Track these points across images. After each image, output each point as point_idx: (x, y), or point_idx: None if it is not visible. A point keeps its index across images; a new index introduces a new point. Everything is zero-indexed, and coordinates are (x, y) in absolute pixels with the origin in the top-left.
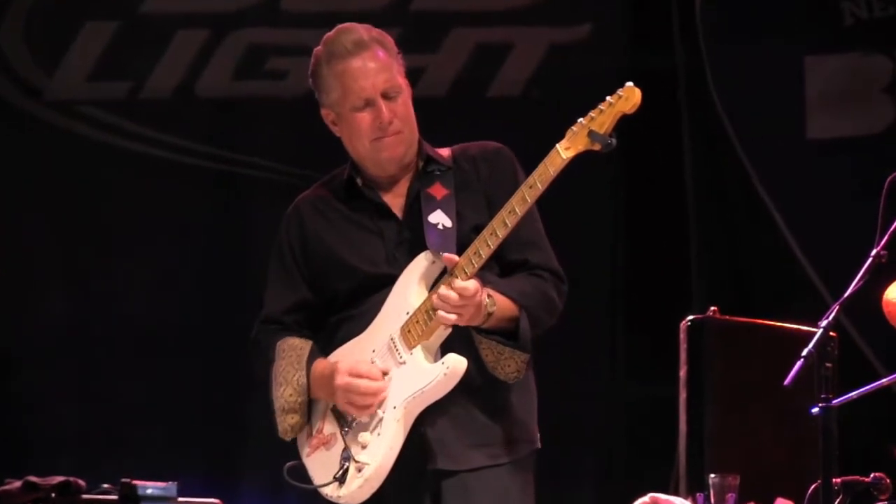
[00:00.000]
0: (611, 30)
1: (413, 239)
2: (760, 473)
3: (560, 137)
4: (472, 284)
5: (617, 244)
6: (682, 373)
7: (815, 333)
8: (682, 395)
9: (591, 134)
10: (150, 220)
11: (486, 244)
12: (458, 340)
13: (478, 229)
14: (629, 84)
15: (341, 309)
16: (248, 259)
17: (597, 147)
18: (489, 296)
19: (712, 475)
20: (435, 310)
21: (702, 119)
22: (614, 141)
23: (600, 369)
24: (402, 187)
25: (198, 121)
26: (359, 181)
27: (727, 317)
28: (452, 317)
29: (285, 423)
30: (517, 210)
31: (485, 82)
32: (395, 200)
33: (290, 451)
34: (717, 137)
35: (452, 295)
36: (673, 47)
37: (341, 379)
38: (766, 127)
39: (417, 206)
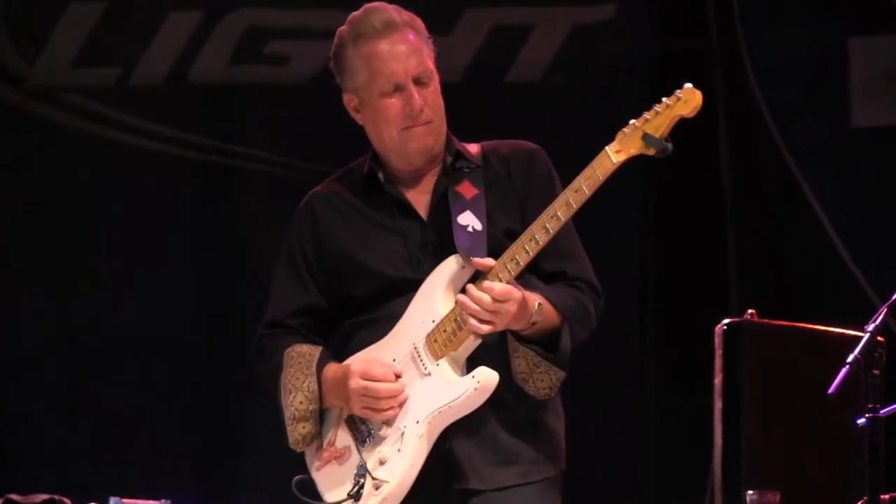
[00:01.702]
0: (638, 9)
1: (439, 241)
2: (802, 490)
3: (584, 126)
4: (506, 289)
5: (648, 242)
6: (718, 381)
7: (861, 338)
8: (718, 405)
9: (646, 137)
10: (140, 218)
11: (524, 250)
12: (485, 351)
13: (509, 234)
14: (688, 85)
15: (356, 313)
16: (245, 259)
17: (651, 152)
18: (539, 303)
19: (750, 492)
20: (465, 319)
21: (738, 107)
22: (671, 146)
23: (629, 378)
24: (428, 184)
25: (192, 110)
26: (380, 176)
27: (766, 320)
28: (486, 327)
29: (296, 432)
30: (560, 215)
31: (503, 67)
32: (419, 198)
33: (292, 464)
34: (755, 127)
35: (485, 297)
36: (706, 28)
37: (355, 382)
38: (807, 115)
39: (444, 205)
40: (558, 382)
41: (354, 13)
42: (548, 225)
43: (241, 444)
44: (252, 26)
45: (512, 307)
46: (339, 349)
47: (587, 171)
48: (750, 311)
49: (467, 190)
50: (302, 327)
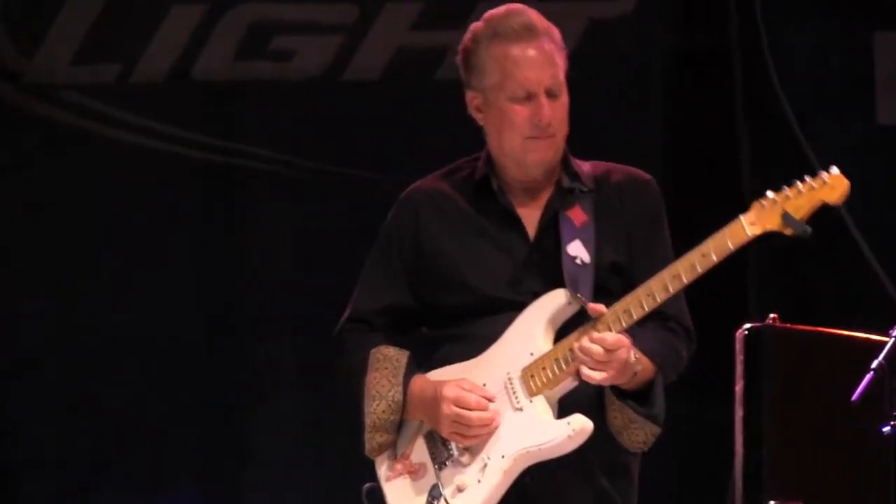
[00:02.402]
0: (657, 3)
1: (543, 265)
2: (825, 500)
3: (602, 124)
4: (618, 338)
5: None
6: (738, 388)
7: (886, 343)
8: (738, 414)
9: (787, 217)
10: (141, 218)
11: (640, 305)
12: (578, 392)
13: (614, 267)
14: (836, 171)
15: (444, 324)
16: (247, 259)
17: (788, 232)
18: (636, 357)
19: (772, 502)
20: (568, 360)
21: (759, 104)
22: (810, 230)
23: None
24: (540, 200)
25: (195, 107)
26: (494, 184)
27: (788, 325)
28: (599, 375)
29: (374, 440)
30: (683, 277)
31: None
32: (529, 213)
33: (293, 466)
34: (777, 124)
35: (596, 349)
36: (726, 23)
37: (448, 408)
38: (831, 112)
39: (554, 228)
40: (653, 438)
41: (493, 11)
42: (669, 285)
43: (242, 447)
44: (256, 21)
45: (623, 354)
46: (424, 358)
47: (718, 238)
48: (772, 315)
49: (578, 216)
50: (386, 326)
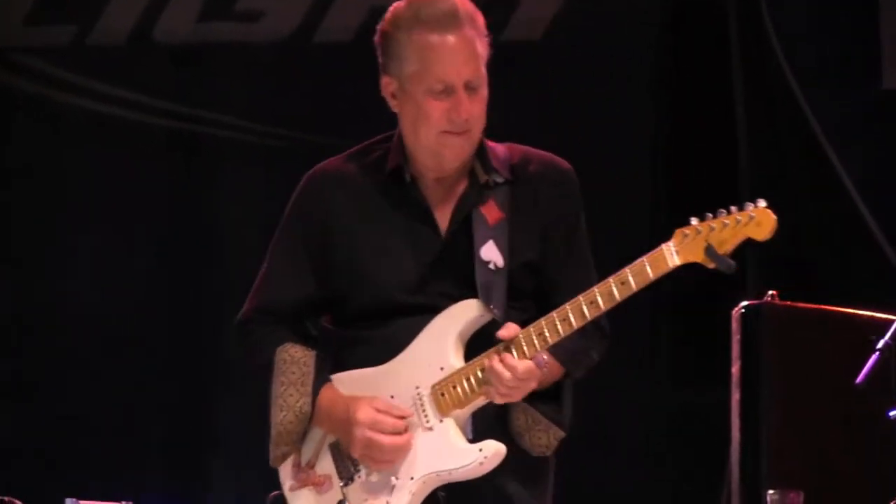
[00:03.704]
0: None
1: (454, 266)
2: (827, 489)
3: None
4: (528, 367)
5: (658, 214)
6: (735, 370)
7: (892, 322)
8: (735, 397)
9: (710, 251)
10: (100, 190)
11: (555, 330)
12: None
13: (528, 266)
14: (763, 204)
15: (349, 322)
16: (215, 235)
17: (712, 266)
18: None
19: (771, 491)
20: (479, 380)
21: (757, 67)
22: (735, 265)
23: (639, 370)
24: (453, 194)
25: (156, 71)
26: (407, 175)
27: (788, 302)
28: (504, 399)
29: (279, 450)
30: (601, 303)
31: (498, 24)
32: (441, 209)
33: (263, 462)
34: (776, 88)
35: (507, 374)
36: None
37: (362, 432)
38: (833, 76)
39: (467, 227)
40: (556, 442)
41: None
42: (586, 310)
43: (212, 441)
44: None
45: (532, 384)
46: (332, 356)
47: (638, 266)
48: (770, 292)
49: (491, 212)
50: (292, 318)
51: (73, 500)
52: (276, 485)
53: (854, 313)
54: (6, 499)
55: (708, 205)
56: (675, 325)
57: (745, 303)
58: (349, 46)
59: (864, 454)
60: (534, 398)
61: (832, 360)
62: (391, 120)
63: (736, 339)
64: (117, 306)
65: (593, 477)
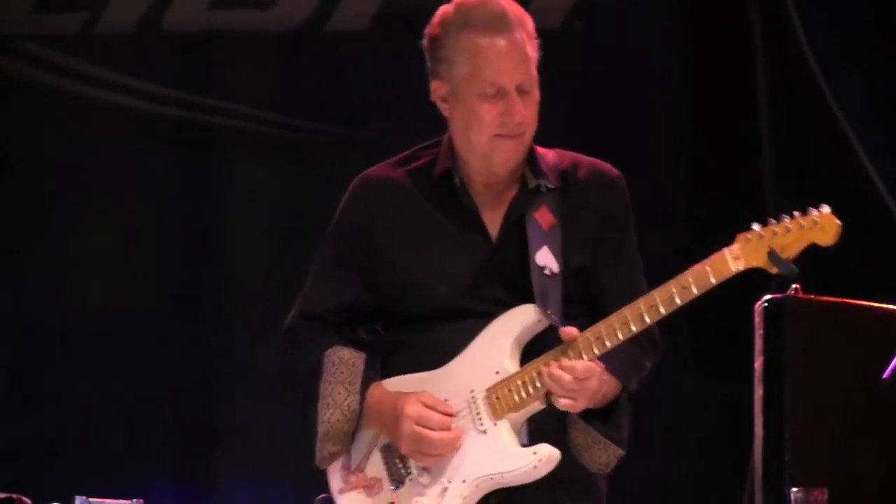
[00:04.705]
0: None
1: (507, 271)
2: (852, 486)
3: (609, 78)
4: (586, 366)
5: (678, 203)
6: (758, 365)
7: None
8: (758, 393)
9: (773, 256)
10: (107, 182)
11: (614, 334)
12: (543, 412)
13: (582, 274)
14: (827, 210)
15: (401, 328)
16: (224, 228)
17: (774, 271)
18: (604, 377)
19: (795, 489)
20: (535, 384)
21: (780, 55)
22: (797, 270)
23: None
24: (503, 200)
25: (166, 60)
26: (457, 179)
27: (812, 296)
28: (568, 402)
29: (325, 450)
30: (661, 308)
31: None
32: (491, 214)
33: (271, 456)
34: (800, 77)
35: (566, 377)
36: None
37: (409, 427)
38: (859, 62)
39: (519, 232)
40: (615, 460)
41: None
42: (646, 315)
43: (221, 437)
44: None
45: (594, 384)
46: (382, 362)
47: (699, 270)
48: (794, 286)
49: (545, 218)
50: (342, 323)
51: (83, 497)
52: (286, 479)
53: (879, 307)
54: (14, 496)
55: (729, 193)
56: (697, 319)
57: (768, 296)
58: (363, 35)
59: (889, 450)
60: (592, 417)
61: (857, 354)
62: (406, 110)
63: (759, 333)
64: (125, 299)
65: (615, 471)
